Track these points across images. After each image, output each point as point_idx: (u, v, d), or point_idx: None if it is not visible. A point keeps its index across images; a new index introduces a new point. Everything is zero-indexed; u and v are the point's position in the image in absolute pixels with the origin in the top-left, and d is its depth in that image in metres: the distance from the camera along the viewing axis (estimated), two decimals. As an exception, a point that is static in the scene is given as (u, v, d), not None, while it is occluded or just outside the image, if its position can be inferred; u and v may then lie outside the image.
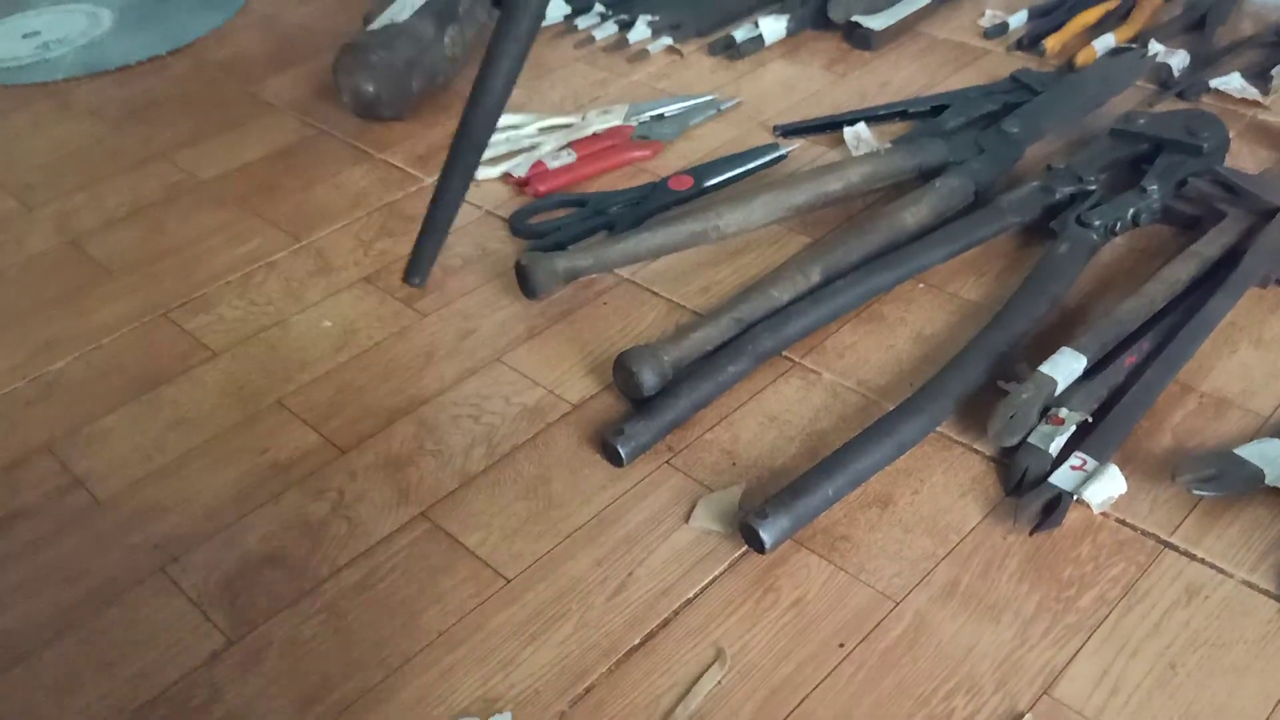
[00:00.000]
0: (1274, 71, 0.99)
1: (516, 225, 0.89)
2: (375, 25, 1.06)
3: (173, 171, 0.99)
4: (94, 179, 0.99)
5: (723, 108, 1.04)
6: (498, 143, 1.00)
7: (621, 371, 0.69)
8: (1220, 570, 0.57)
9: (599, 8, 1.22)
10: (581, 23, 1.21)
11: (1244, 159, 0.89)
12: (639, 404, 0.69)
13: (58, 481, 0.68)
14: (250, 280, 0.85)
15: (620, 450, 0.66)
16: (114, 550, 0.63)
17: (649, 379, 0.68)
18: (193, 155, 1.02)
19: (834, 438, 0.66)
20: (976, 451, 0.65)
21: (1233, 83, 0.98)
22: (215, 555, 0.62)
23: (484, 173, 0.96)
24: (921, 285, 0.79)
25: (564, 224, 0.88)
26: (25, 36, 1.28)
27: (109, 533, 0.64)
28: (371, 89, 1.03)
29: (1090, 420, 0.63)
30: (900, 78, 1.07)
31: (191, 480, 0.68)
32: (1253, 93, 0.97)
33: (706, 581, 0.59)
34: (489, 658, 0.56)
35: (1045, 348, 0.69)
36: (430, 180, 0.96)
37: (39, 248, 0.90)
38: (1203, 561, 0.57)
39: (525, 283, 0.79)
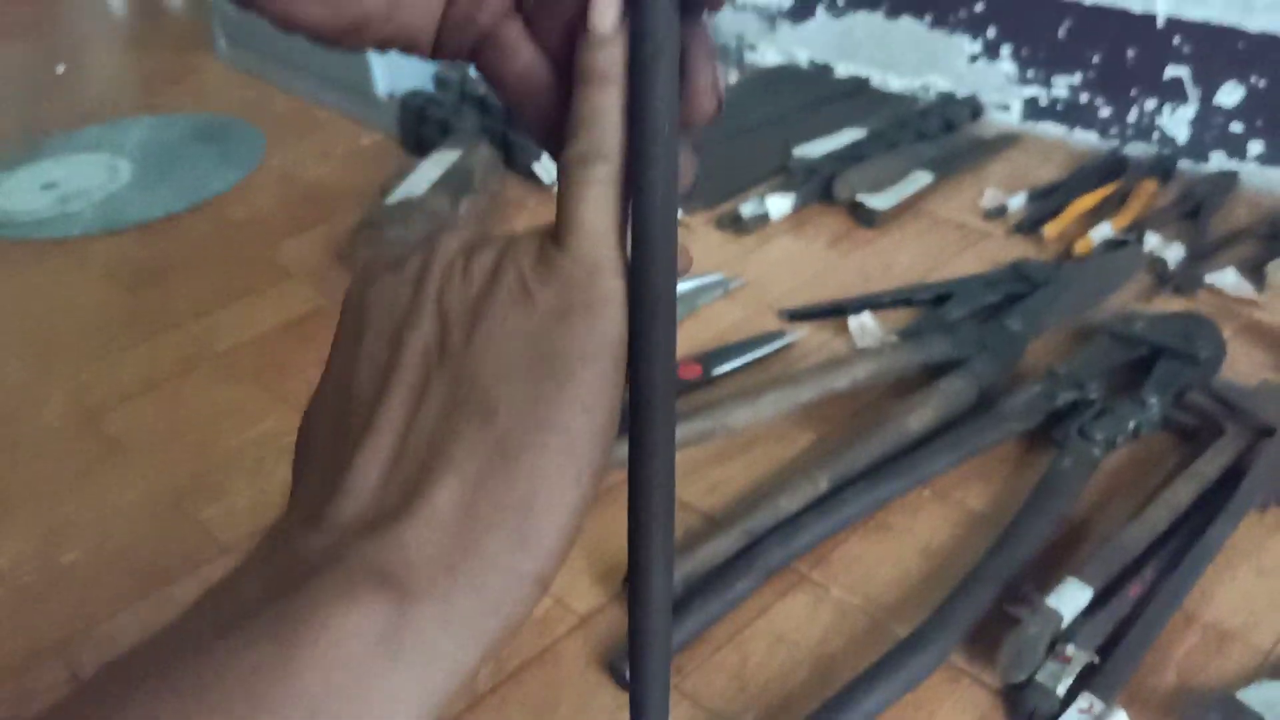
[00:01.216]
0: (1268, 268, 1.01)
1: (527, 411, 0.90)
2: (392, 199, 1.09)
3: (188, 342, 1.01)
4: (110, 348, 1.00)
5: (730, 287, 1.06)
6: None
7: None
8: (1230, 830, 0.57)
9: (609, 176, 1.25)
10: (592, 189, 1.24)
11: (1240, 362, 0.91)
12: (648, 620, 0.69)
13: (66, 690, 0.67)
14: (262, 465, 0.86)
15: (627, 675, 0.66)
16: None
17: (659, 596, 0.69)
18: (208, 324, 1.03)
19: (843, 661, 0.67)
20: (984, 684, 0.65)
21: (1227, 279, 1.01)
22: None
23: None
24: (928, 492, 0.80)
25: (574, 411, 0.89)
26: (44, 188, 1.30)
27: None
28: (387, 261, 1.05)
29: (1096, 661, 0.64)
30: (903, 259, 1.10)
31: (198, 689, 0.67)
32: (1247, 290, 1.00)
33: (715, 824, 0.59)
34: None
35: (1051, 566, 0.70)
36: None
37: (55, 421, 0.91)
38: (1212, 817, 0.58)
39: (536, 483, 0.80)
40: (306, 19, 0.32)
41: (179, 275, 1.12)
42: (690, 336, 0.99)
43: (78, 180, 1.32)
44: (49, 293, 1.10)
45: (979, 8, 1.32)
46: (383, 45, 0.34)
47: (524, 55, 0.34)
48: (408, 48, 0.35)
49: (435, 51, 0.35)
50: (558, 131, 0.33)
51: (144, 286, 1.10)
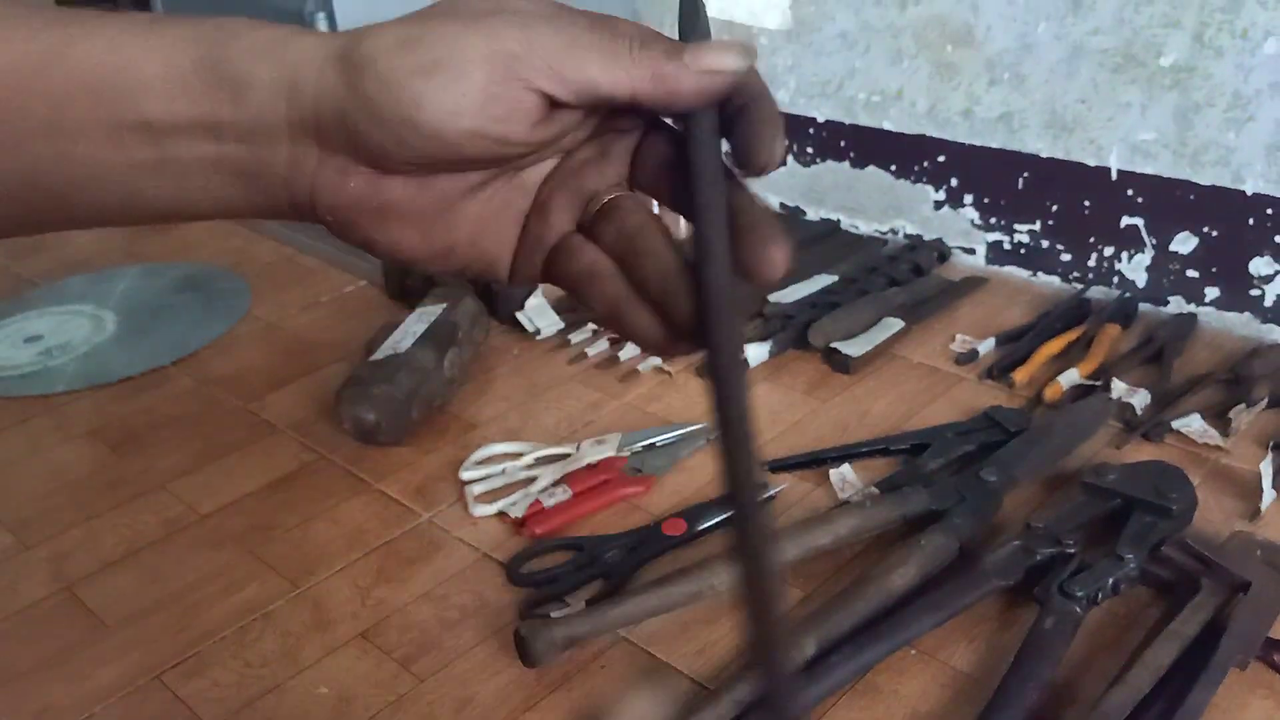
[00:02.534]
0: (1232, 414, 1.04)
1: (513, 573, 0.91)
2: (378, 355, 1.11)
3: (171, 504, 1.01)
4: (91, 513, 1.00)
5: (712, 437, 1.08)
6: (493, 475, 1.03)
7: (623, 763, 0.70)
8: None
9: (591, 324, 1.28)
10: (575, 338, 1.27)
11: (1211, 510, 0.93)
12: (640, 797, 0.69)
13: None
14: (246, 635, 0.85)
15: None
16: None
17: (650, 773, 0.68)
18: (191, 485, 1.04)
19: (836, 838, 0.66)
20: None
21: (1193, 425, 1.03)
22: None
23: (481, 510, 0.98)
24: (914, 652, 0.81)
25: (561, 572, 0.90)
26: (28, 341, 1.31)
27: None
28: (372, 418, 1.06)
29: (1090, 835, 0.64)
30: (879, 405, 1.12)
31: None
32: (1213, 436, 1.02)
33: None
34: None
35: (1038, 731, 0.71)
36: (426, 516, 0.98)
37: (34, 595, 0.91)
38: None
39: (525, 653, 0.80)
40: (404, 247, 0.39)
41: (162, 433, 1.12)
42: (673, 490, 1.00)
43: (62, 333, 1.33)
44: (31, 457, 1.10)
45: (941, 159, 1.38)
46: (467, 270, 0.40)
47: (587, 255, 0.39)
48: (487, 272, 0.41)
49: (512, 276, 0.41)
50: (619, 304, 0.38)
51: (127, 446, 1.10)
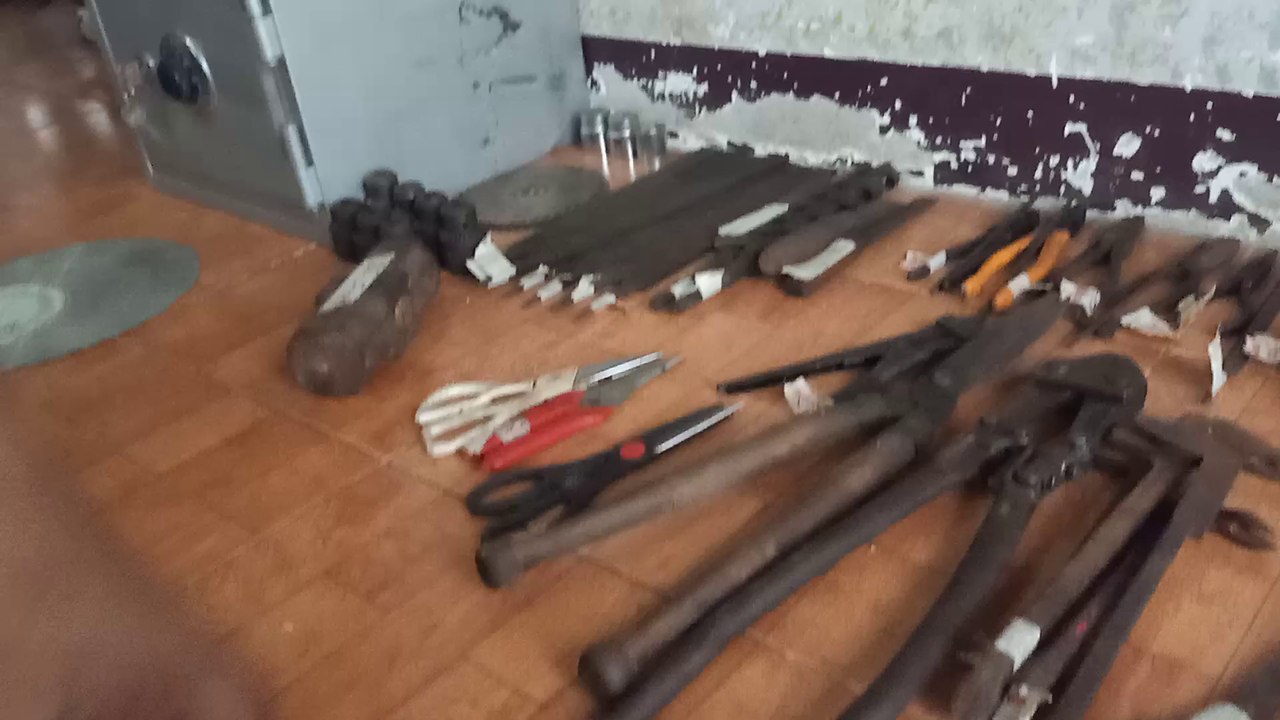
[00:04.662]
0: (1180, 305, 1.05)
1: (474, 505, 0.90)
2: (327, 307, 1.10)
3: (128, 467, 1.00)
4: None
5: (667, 366, 1.08)
6: (450, 416, 1.03)
7: (587, 670, 0.70)
8: None
9: (543, 268, 1.27)
10: (527, 282, 1.26)
11: (1162, 397, 0.94)
12: (606, 703, 0.69)
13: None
14: (209, 583, 0.85)
15: (591, 756, 0.65)
16: None
17: (615, 677, 0.69)
18: (147, 447, 1.03)
19: (803, 726, 0.67)
20: (943, 734, 0.66)
21: (1143, 319, 1.04)
22: None
23: (440, 449, 0.98)
24: (873, 549, 0.81)
25: (521, 501, 0.90)
26: (-22, 323, 1.30)
27: None
28: (325, 369, 1.05)
29: (1049, 699, 0.64)
30: (833, 325, 1.13)
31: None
32: (1163, 328, 1.03)
33: None
34: None
35: (998, 611, 0.71)
36: (385, 459, 0.98)
37: (-8, 559, 0.90)
38: (1176, 845, 0.58)
39: (486, 574, 0.80)
40: None
41: (116, 401, 1.11)
42: (631, 418, 1.00)
43: (11, 313, 1.31)
44: (-17, 428, 1.09)
45: (884, 82, 1.38)
46: None
47: None
48: None
49: None
50: None
51: (81, 416, 1.09)
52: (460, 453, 0.98)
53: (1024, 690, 0.64)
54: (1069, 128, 1.25)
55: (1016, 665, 0.66)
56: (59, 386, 1.16)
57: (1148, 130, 1.20)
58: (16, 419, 1.06)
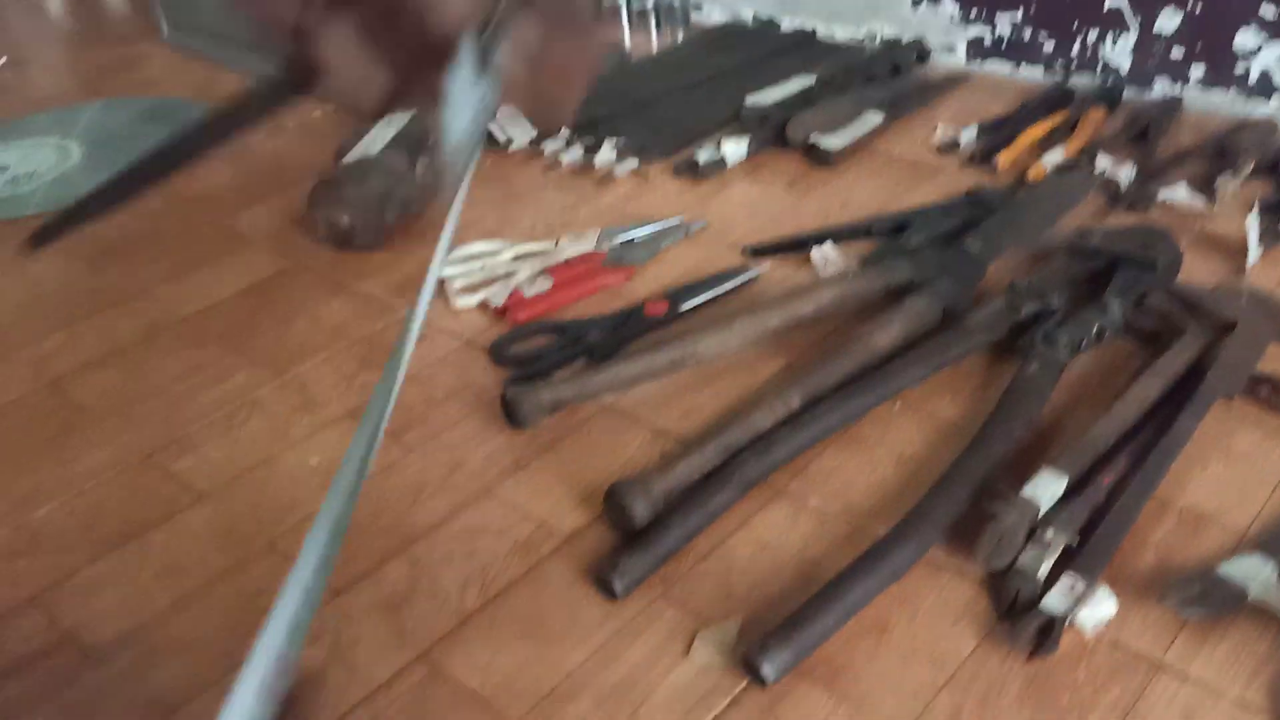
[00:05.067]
0: (1218, 182, 1.03)
1: (497, 355, 0.90)
2: (348, 159, 1.08)
3: (150, 310, 1.00)
4: (70, 319, 0.99)
5: (691, 230, 1.07)
6: (472, 271, 1.02)
7: (613, 504, 0.70)
8: (1213, 691, 0.58)
9: (565, 132, 1.25)
10: (549, 147, 1.24)
11: (1196, 270, 0.93)
12: (630, 536, 0.70)
13: (46, 637, 0.67)
14: (234, 418, 0.85)
15: (615, 585, 0.66)
16: (109, 706, 0.62)
17: (640, 511, 0.69)
18: (169, 293, 1.02)
19: (826, 564, 0.67)
20: (966, 575, 0.66)
21: (1179, 194, 1.03)
22: (214, 705, 0.61)
23: (463, 301, 0.97)
24: (898, 405, 0.81)
25: (544, 352, 0.90)
26: (-6, 172, 1.28)
27: (103, 688, 0.63)
28: (346, 221, 1.04)
29: (1076, 542, 0.65)
30: (860, 195, 1.11)
31: (185, 628, 0.67)
32: (1199, 203, 1.01)
33: (710, 718, 0.59)
34: (497, 809, 0.55)
35: (1024, 466, 0.71)
36: (403, 310, 0.97)
37: (17, 392, 0.90)
38: (1195, 683, 0.59)
39: (512, 415, 0.80)
40: None
41: (136, 249, 1.10)
42: (654, 278, 1.00)
43: (29, 163, 1.30)
44: (4, 272, 1.08)
45: (921, -49, 1.34)
46: None
47: None
48: None
49: None
50: None
51: (102, 260, 1.08)
52: (482, 306, 0.97)
53: (1049, 534, 0.65)
54: (1109, 2, 1.22)
55: (1042, 511, 0.66)
56: (79, 235, 1.14)
57: (1190, 5, 1.17)
58: (37, 259, 1.06)
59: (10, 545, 0.75)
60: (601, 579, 0.66)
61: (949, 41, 1.36)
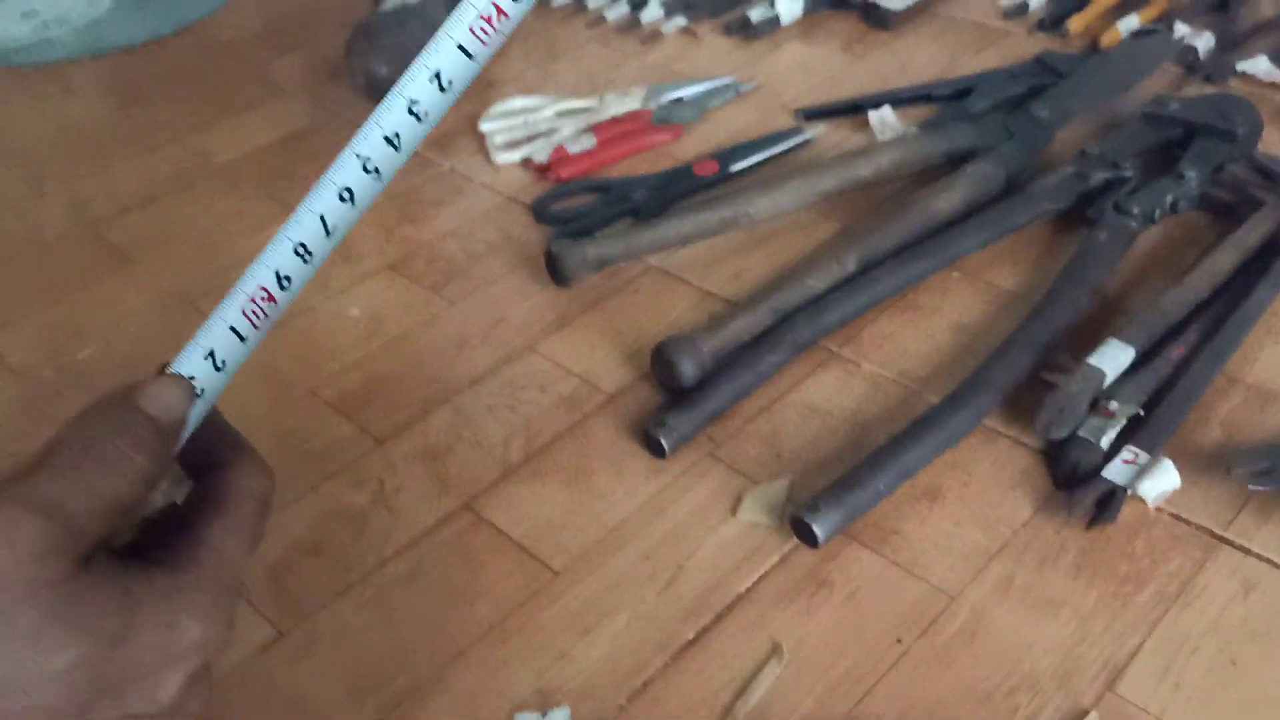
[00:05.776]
0: (1300, 55, 0.98)
1: (540, 212, 0.87)
2: (387, 7, 1.04)
3: (185, 155, 0.97)
4: (105, 163, 0.97)
5: (742, 90, 1.02)
6: (514, 126, 0.98)
7: (660, 361, 0.68)
8: (1275, 565, 0.56)
9: (609, -13, 1.20)
10: (592, 2, 1.19)
11: (1276, 144, 0.88)
12: (678, 395, 0.68)
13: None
14: (272, 267, 0.83)
15: (663, 441, 0.64)
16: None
17: (689, 369, 0.67)
18: (204, 139, 1.00)
19: (877, 429, 0.66)
20: (1023, 444, 0.64)
21: (1260, 66, 0.97)
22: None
23: (504, 157, 0.94)
24: (956, 274, 0.78)
25: (588, 210, 0.87)
26: (23, 16, 1.24)
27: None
28: (384, 71, 1.01)
29: (1140, 414, 0.62)
30: (920, 59, 1.06)
31: (224, 473, 0.66)
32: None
33: (758, 575, 0.58)
34: (542, 651, 0.55)
35: (1087, 338, 0.68)
36: (448, 165, 0.94)
37: (55, 233, 0.89)
38: (1258, 556, 0.57)
39: (556, 271, 0.78)
40: None
41: (169, 95, 1.08)
42: (704, 138, 0.96)
43: (58, 8, 1.25)
44: (38, 115, 1.06)
45: None
46: None
47: None
48: None
49: None
50: None
51: (135, 105, 1.06)
52: (525, 162, 0.94)
53: (1114, 404, 0.62)
54: None
55: (1107, 382, 0.64)
56: (110, 79, 1.12)
57: None
58: (70, 103, 1.03)
59: (55, 383, 0.74)
60: (648, 435, 0.65)
61: (1020, -100, 1.28)
